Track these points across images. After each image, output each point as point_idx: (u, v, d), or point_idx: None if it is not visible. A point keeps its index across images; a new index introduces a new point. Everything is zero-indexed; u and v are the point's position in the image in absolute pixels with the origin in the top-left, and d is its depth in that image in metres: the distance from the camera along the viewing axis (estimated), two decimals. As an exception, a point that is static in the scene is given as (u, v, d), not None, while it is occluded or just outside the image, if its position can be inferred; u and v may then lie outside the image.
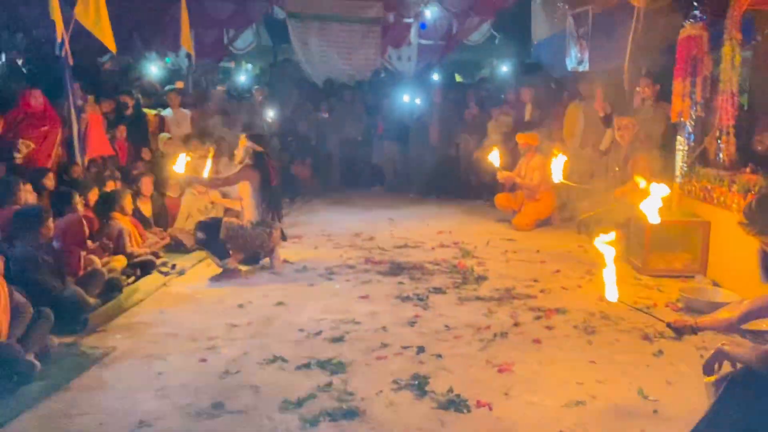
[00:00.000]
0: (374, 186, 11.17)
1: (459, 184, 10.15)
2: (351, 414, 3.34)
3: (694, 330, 2.88)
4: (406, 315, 4.86)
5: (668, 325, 2.95)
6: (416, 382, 3.68)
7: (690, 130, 6.25)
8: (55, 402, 3.49)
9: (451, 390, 3.58)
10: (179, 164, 6.02)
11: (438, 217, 8.64)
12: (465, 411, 3.38)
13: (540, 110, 9.13)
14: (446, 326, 4.62)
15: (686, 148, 6.32)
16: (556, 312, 4.88)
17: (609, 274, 3.07)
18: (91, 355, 4.07)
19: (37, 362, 3.78)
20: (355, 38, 11.97)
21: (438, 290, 5.45)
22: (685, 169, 6.31)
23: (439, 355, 4.09)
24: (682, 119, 6.25)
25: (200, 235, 5.96)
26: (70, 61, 6.81)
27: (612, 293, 3.09)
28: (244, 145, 6.03)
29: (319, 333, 4.50)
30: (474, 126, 10.09)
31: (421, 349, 4.18)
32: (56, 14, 6.46)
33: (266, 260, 6.22)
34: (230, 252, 5.94)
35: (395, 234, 7.63)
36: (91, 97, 7.26)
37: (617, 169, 6.80)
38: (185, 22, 9.36)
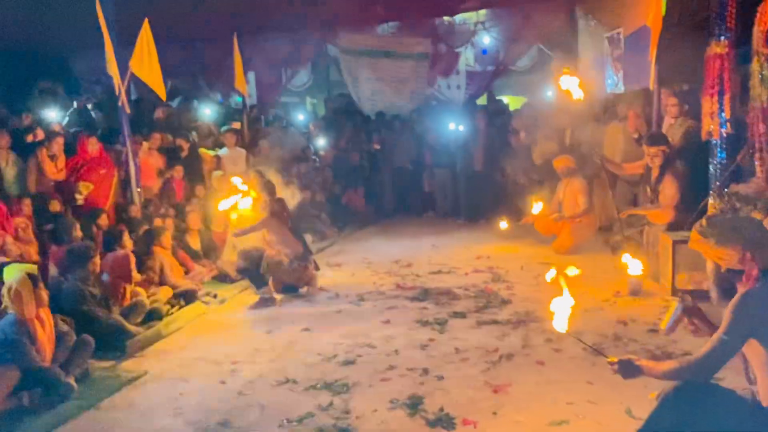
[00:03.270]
0: (426, 213, 11.38)
1: (505, 209, 10.20)
2: (343, 431, 3.57)
3: (631, 370, 2.77)
4: (421, 338, 5.05)
5: (610, 363, 2.85)
6: (411, 402, 3.88)
7: (721, 148, 6.17)
8: (85, 419, 3.93)
9: (441, 409, 3.75)
10: (224, 204, 6.50)
11: (480, 242, 8.76)
12: (451, 429, 3.55)
13: (581, 133, 9.11)
14: (456, 349, 4.79)
15: (718, 166, 6.23)
16: (567, 335, 4.92)
17: (562, 303, 3.14)
18: (125, 378, 4.50)
19: (75, 384, 4.24)
20: (405, 72, 12.31)
21: (459, 314, 5.61)
22: (717, 186, 6.21)
23: (441, 377, 4.27)
24: (712, 137, 6.18)
25: (241, 263, 6.44)
26: (127, 110, 7.46)
27: (560, 324, 3.14)
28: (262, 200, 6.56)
29: (334, 357, 4.76)
30: (519, 151, 10.16)
31: (425, 371, 4.37)
32: (113, 68, 7.10)
33: (305, 289, 6.57)
34: (269, 281, 6.34)
35: (433, 260, 7.82)
36: (145, 143, 7.87)
37: (649, 190, 6.75)
38: (239, 65, 9.97)
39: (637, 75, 7.46)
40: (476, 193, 10.57)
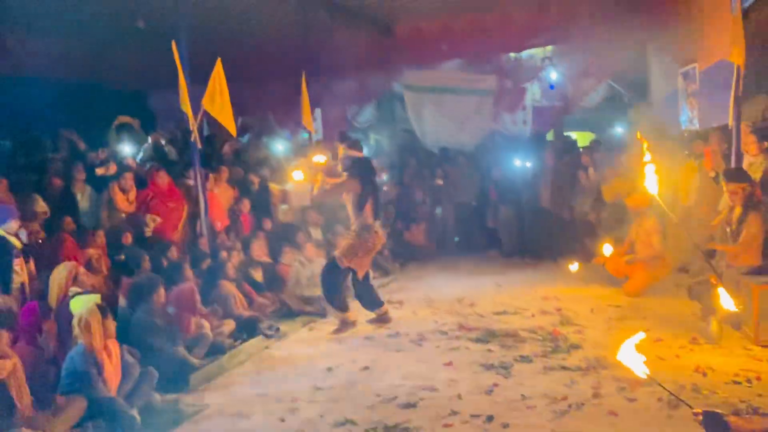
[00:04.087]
0: (490, 250, 11.16)
1: (573, 248, 9.90)
2: (403, 479, 3.45)
3: (718, 425, 2.58)
4: (485, 383, 4.88)
5: (695, 414, 2.66)
6: (475, 451, 3.72)
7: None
8: (147, 453, 3.93)
9: (506, 460, 3.58)
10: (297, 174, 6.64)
11: (546, 282, 8.49)
12: (517, 482, 3.37)
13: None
14: (522, 396, 4.59)
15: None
16: (643, 384, 4.65)
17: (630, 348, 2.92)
18: (186, 412, 4.52)
19: (137, 416, 4.27)
20: (469, 108, 12.24)
21: (525, 358, 5.40)
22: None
23: (506, 425, 4.09)
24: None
25: (323, 289, 6.44)
26: (199, 145, 7.67)
27: (640, 368, 2.92)
28: (342, 154, 6.39)
29: (394, 398, 4.65)
30: (588, 188, 9.90)
31: (489, 418, 4.20)
32: (186, 105, 7.32)
33: (383, 310, 6.53)
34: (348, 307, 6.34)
35: (497, 300, 7.61)
36: (212, 175, 8.05)
37: (728, 230, 6.41)
38: (306, 102, 10.14)
39: (714, 111, 7.16)
40: (543, 231, 10.32)
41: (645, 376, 2.87)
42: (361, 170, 6.30)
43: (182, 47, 7.23)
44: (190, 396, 4.85)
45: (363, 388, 4.91)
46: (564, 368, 5.13)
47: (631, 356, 2.87)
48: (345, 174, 6.36)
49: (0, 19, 8.11)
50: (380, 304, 6.67)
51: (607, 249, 7.99)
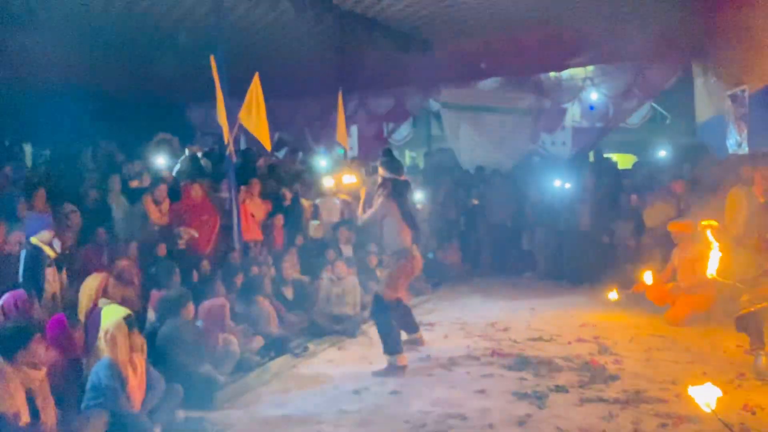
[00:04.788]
0: (525, 273, 10.91)
1: (612, 274, 9.59)
2: None
3: None
4: (519, 413, 4.67)
5: None
6: (506, 487, 3.52)
7: None
8: (167, 473, 3.82)
9: (540, 499, 3.37)
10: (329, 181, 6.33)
11: (584, 309, 8.22)
12: None
13: (699, 196, 8.48)
14: (558, 428, 4.38)
15: None
16: (686, 420, 4.41)
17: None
18: (210, 431, 4.40)
19: (160, 434, 4.18)
20: (507, 128, 12.09)
21: (560, 389, 5.17)
22: None
23: (540, 460, 3.88)
24: None
25: (378, 328, 5.98)
26: (233, 159, 7.65)
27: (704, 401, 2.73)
28: (382, 175, 6.03)
29: (423, 426, 4.48)
30: (629, 212, 9.61)
31: (522, 452, 4.00)
32: (222, 119, 7.31)
33: (417, 336, 6.37)
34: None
35: (533, 325, 7.38)
36: (243, 188, 8.03)
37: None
38: (341, 119, 10.10)
39: (765, 135, 6.87)
40: (581, 255, 10.03)
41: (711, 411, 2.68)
42: (399, 192, 5.97)
43: (220, 61, 7.25)
44: (215, 414, 4.75)
45: (391, 414, 4.75)
46: (601, 400, 4.89)
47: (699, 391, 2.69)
48: (381, 196, 5.97)
49: (46, 34, 8.26)
50: (415, 329, 6.50)
51: (647, 277, 7.70)
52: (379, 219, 5.98)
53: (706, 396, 2.76)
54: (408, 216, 6.03)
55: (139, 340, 4.35)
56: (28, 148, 11.60)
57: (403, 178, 6.11)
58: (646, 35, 8.97)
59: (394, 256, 5.96)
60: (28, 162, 10.97)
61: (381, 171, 6.08)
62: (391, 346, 5.79)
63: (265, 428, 4.50)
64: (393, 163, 6.11)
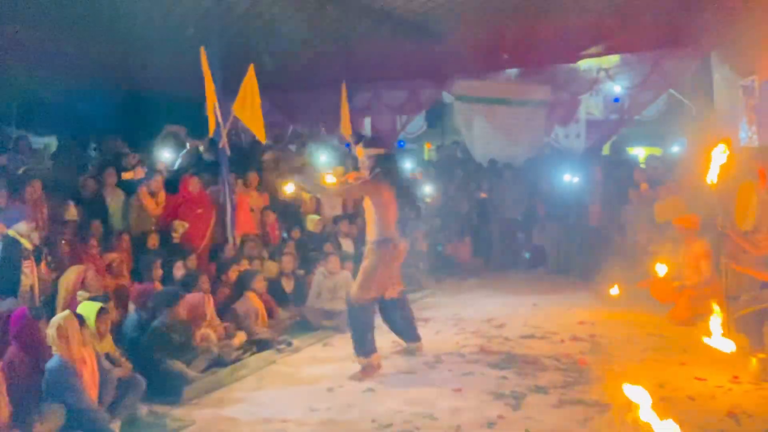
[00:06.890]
0: (536, 267, 10.65)
1: (621, 269, 9.28)
2: None
3: None
4: (490, 414, 4.50)
5: None
6: (455, 494, 3.37)
7: None
8: (117, 469, 3.77)
9: (487, 507, 3.22)
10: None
11: (587, 305, 7.97)
12: None
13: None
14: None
15: None
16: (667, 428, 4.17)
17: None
18: (170, 427, 4.36)
19: (117, 430, 4.12)
20: (520, 120, 11.78)
21: (540, 389, 4.98)
22: None
23: (499, 465, 3.71)
24: None
25: (352, 334, 5.59)
26: (227, 152, 7.60)
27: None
28: (362, 156, 5.58)
29: (389, 426, 4.35)
30: (640, 206, 9.29)
31: (482, 456, 3.83)
32: (210, 109, 7.22)
33: (415, 345, 6.03)
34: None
35: (530, 322, 7.17)
36: (239, 181, 7.96)
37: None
38: (345, 110, 9.96)
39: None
40: (591, 250, 9.74)
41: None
42: (386, 171, 5.48)
43: (213, 53, 7.20)
44: (180, 410, 4.69)
45: (360, 412, 4.62)
46: (581, 402, 4.69)
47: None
48: (365, 176, 5.56)
49: (59, 29, 8.28)
50: (415, 338, 6.01)
51: (660, 269, 7.34)
52: (355, 196, 5.64)
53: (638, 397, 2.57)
54: (403, 191, 5.63)
55: (89, 334, 4.25)
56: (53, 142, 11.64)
57: (383, 151, 5.67)
58: (660, 24, 8.63)
59: (372, 246, 5.49)
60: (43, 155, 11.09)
61: (364, 152, 5.58)
62: (364, 348, 5.44)
63: (227, 425, 4.43)
64: (372, 139, 5.80)
